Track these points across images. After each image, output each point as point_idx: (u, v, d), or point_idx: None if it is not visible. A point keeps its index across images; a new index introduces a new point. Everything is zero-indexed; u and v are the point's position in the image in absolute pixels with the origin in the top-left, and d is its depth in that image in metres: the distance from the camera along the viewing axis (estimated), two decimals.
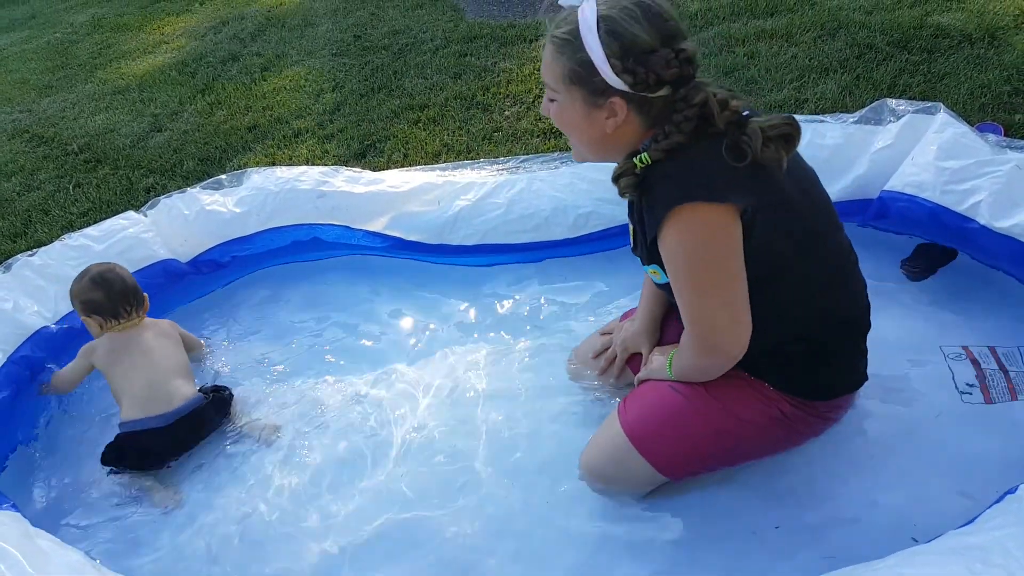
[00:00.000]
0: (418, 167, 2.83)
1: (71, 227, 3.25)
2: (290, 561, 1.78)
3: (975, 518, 1.32)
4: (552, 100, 1.44)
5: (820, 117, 2.39)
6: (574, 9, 1.36)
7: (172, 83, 4.80)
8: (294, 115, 4.06)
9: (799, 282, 1.45)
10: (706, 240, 1.33)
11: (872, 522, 1.62)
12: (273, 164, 3.48)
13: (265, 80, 4.56)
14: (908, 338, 1.98)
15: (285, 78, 4.52)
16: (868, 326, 1.61)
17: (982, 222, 1.91)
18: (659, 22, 1.32)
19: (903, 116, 2.24)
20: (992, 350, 1.89)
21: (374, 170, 2.81)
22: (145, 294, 2.31)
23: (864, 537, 1.59)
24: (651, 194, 1.38)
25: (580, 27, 1.33)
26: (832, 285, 1.50)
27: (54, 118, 4.68)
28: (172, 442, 2.06)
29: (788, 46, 3.57)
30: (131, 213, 2.69)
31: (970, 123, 2.19)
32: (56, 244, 2.57)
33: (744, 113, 1.36)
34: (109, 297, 2.22)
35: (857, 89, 3.14)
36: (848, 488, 1.70)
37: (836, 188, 2.23)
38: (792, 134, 1.34)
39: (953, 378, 1.85)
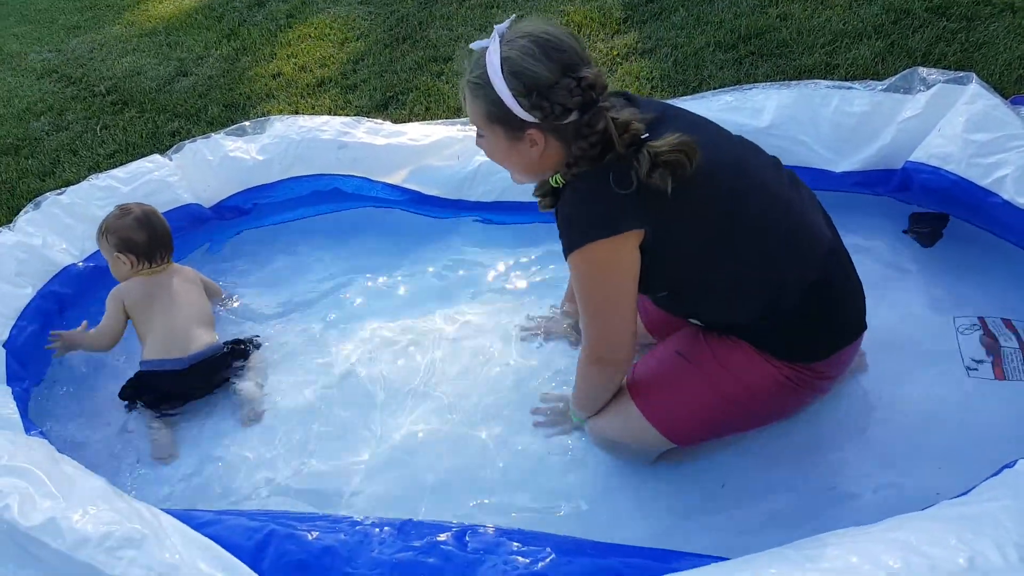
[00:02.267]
0: (439, 121, 2.82)
1: (98, 168, 3.30)
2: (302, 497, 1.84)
3: (971, 489, 1.33)
4: (481, 136, 1.55)
5: (848, 84, 2.34)
6: (483, 51, 1.44)
7: (198, 27, 4.79)
8: (318, 64, 4.05)
9: (735, 264, 1.49)
10: (599, 274, 1.47)
11: (872, 489, 1.64)
12: (296, 113, 3.49)
13: (290, 27, 4.53)
14: (921, 310, 1.98)
15: (310, 26, 4.49)
16: (842, 276, 1.60)
17: (1006, 197, 1.88)
18: (556, 55, 1.39)
19: (933, 86, 2.19)
20: (1008, 323, 1.88)
21: (395, 122, 2.80)
22: None
23: (863, 502, 1.61)
24: (558, 216, 1.50)
25: (487, 71, 1.41)
26: (774, 254, 1.51)
27: (82, 59, 4.70)
28: (187, 385, 2.12)
29: (822, 9, 3.49)
30: (157, 156, 2.73)
31: (1005, 95, 2.14)
32: (84, 184, 2.61)
33: (644, 136, 1.40)
34: (151, 240, 2.25)
35: (891, 56, 3.07)
36: (850, 457, 1.72)
37: (860, 157, 2.21)
38: (682, 161, 1.37)
39: (960, 352, 1.85)
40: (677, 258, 1.48)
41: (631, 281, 1.48)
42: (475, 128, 1.56)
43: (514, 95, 1.39)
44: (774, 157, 1.64)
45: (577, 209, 1.45)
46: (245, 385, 2.13)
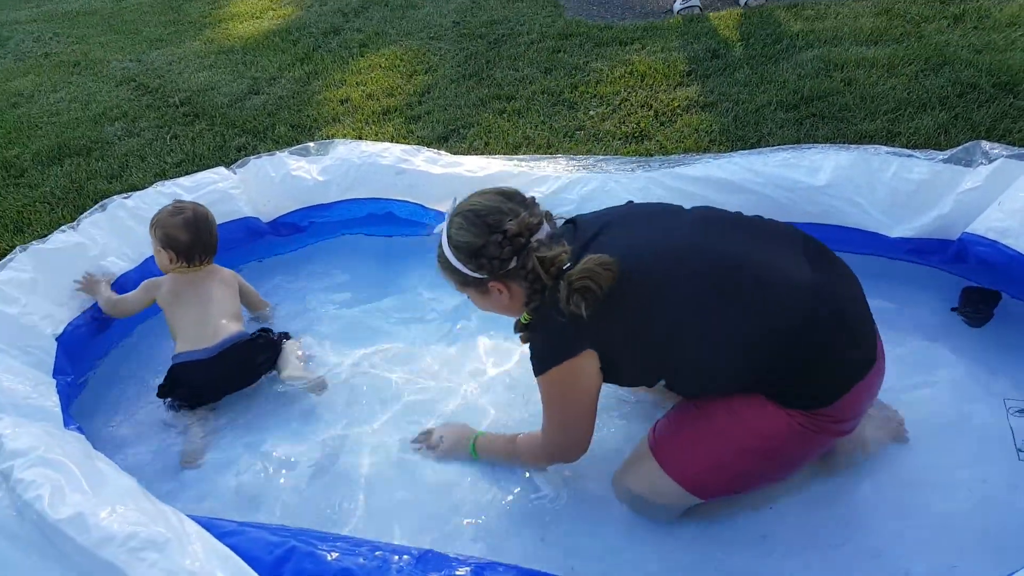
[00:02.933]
0: (497, 156, 2.87)
1: (164, 175, 3.42)
2: (319, 508, 1.86)
3: (1012, 574, 1.28)
4: (468, 298, 1.78)
5: (908, 151, 2.33)
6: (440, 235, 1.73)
7: (274, 49, 4.97)
8: (385, 93, 4.16)
9: (694, 346, 1.57)
10: (560, 395, 1.67)
11: (906, 565, 1.59)
12: (360, 138, 3.57)
13: (362, 56, 4.68)
14: (971, 388, 1.93)
15: (381, 56, 4.63)
16: (832, 314, 1.56)
17: None
18: (480, 220, 1.63)
19: (996, 160, 2.17)
20: None
21: (454, 154, 2.86)
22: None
23: None
24: (530, 346, 1.68)
25: (443, 250, 1.69)
26: (732, 320, 1.53)
27: (161, 70, 4.91)
28: (217, 375, 2.17)
29: (887, 77, 3.48)
30: (221, 169, 2.82)
31: None
32: (150, 190, 2.70)
33: (565, 267, 1.57)
34: (193, 243, 2.33)
35: (954, 128, 3.04)
36: (885, 528, 1.68)
37: (915, 224, 2.19)
38: (590, 287, 1.51)
39: (1012, 434, 1.80)
40: (637, 360, 1.62)
41: (589, 400, 1.66)
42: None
43: (462, 263, 1.65)
44: (736, 213, 1.71)
45: (536, 341, 1.66)
46: (289, 371, 2.19)
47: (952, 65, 3.47)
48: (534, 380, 1.65)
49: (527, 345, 1.68)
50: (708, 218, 1.69)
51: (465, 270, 1.66)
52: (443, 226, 1.69)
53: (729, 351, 1.55)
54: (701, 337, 1.56)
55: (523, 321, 1.70)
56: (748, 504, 1.75)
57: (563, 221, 1.75)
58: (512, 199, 1.66)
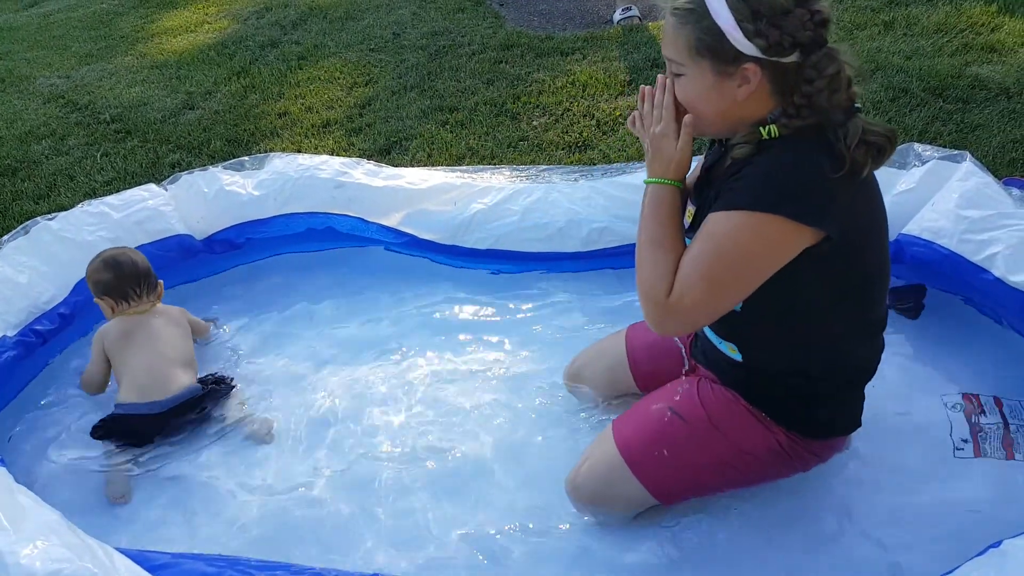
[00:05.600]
0: (439, 167, 2.84)
1: (94, 194, 3.29)
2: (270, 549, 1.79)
3: (955, 568, 1.30)
4: (678, 75, 1.36)
5: None
6: None
7: (209, 63, 4.85)
8: (325, 106, 4.09)
9: (834, 323, 1.45)
10: (754, 253, 1.29)
11: (852, 566, 1.60)
12: (299, 152, 3.50)
13: (301, 69, 4.60)
14: (910, 384, 1.96)
15: (321, 68, 4.55)
16: (874, 373, 1.60)
17: (997, 274, 1.89)
18: None
19: (928, 161, 2.21)
20: (997, 401, 1.86)
21: (396, 167, 2.81)
22: (160, 280, 2.31)
23: None
24: (750, 168, 1.31)
25: None
26: (861, 334, 1.50)
27: (90, 86, 4.75)
28: (160, 427, 2.06)
29: None
30: (152, 186, 2.71)
31: (997, 176, 2.17)
32: (76, 210, 2.58)
33: (855, 105, 1.30)
34: (118, 279, 2.22)
35: None
36: (831, 531, 1.68)
37: None
38: (885, 147, 1.28)
39: (951, 430, 1.83)
40: (815, 281, 1.35)
41: (763, 274, 1.31)
42: (673, 65, 1.36)
43: (737, 19, 1.23)
44: None
45: (784, 172, 1.28)
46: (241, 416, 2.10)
47: (884, 71, 3.55)
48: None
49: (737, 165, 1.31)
50: None
51: (735, 30, 1.23)
52: None
53: (853, 326, 1.46)
54: (868, 295, 1.44)
55: (766, 135, 1.30)
56: (699, 505, 1.72)
57: None
58: None
